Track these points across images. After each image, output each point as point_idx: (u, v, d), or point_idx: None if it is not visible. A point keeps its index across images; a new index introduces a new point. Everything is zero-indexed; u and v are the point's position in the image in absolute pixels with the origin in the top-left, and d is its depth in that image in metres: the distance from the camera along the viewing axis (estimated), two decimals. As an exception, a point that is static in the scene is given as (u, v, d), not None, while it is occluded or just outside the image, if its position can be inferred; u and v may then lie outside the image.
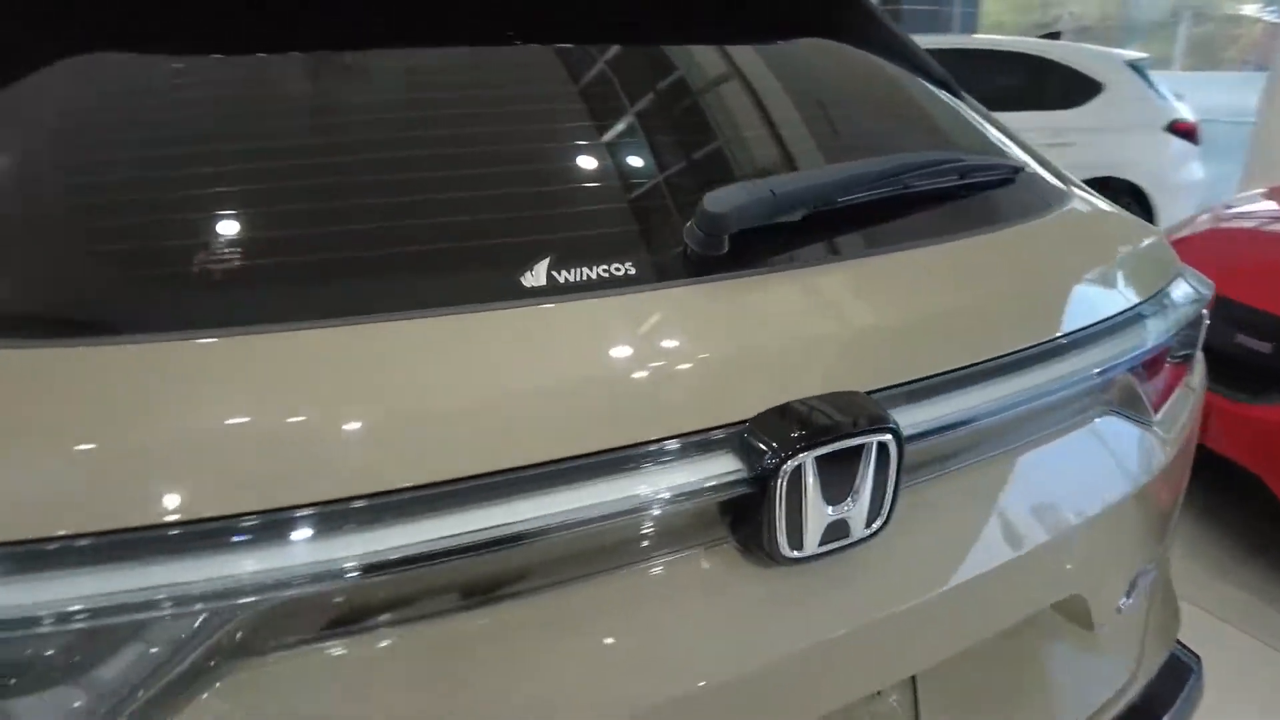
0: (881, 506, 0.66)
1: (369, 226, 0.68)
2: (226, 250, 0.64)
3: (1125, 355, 0.85)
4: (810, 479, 0.62)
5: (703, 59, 0.99)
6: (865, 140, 1.00)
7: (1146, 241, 1.01)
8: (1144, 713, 1.05)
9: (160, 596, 0.49)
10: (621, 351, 0.64)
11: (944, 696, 0.85)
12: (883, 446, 0.64)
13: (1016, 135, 1.14)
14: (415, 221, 0.70)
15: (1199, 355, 1.10)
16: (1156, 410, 0.95)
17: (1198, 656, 1.19)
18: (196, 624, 0.51)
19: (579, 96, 0.88)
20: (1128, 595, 0.97)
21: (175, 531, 0.50)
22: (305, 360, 0.57)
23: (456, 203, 0.72)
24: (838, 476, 0.64)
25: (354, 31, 0.80)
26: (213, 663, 0.52)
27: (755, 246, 0.72)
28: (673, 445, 0.61)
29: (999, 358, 0.76)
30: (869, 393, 0.68)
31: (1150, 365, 0.94)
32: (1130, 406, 0.91)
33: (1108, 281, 0.91)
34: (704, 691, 0.62)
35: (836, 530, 0.65)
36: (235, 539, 0.51)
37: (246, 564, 0.50)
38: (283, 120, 0.74)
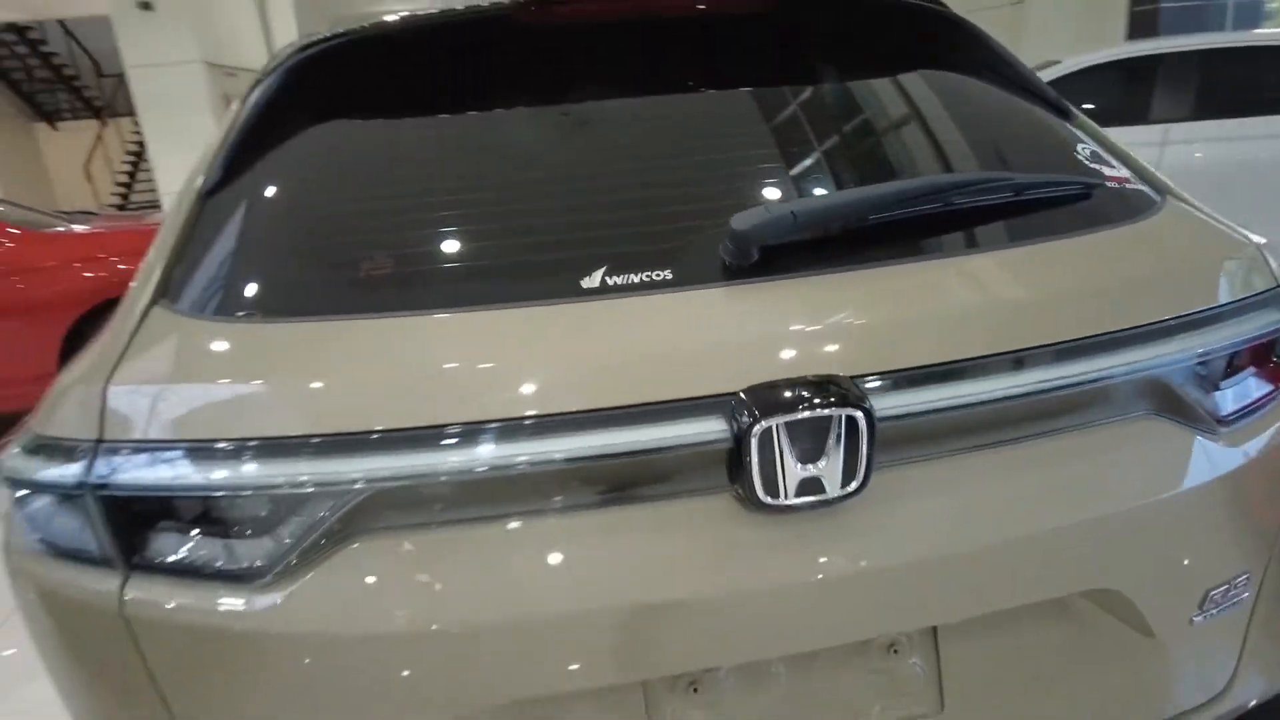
0: (855, 471, 0.77)
1: (528, 245, 0.97)
2: (432, 258, 0.96)
3: (1153, 362, 0.87)
4: (783, 440, 0.75)
5: (806, 97, 1.15)
6: (936, 163, 1.09)
7: (1214, 256, 0.99)
8: None
9: (347, 478, 0.75)
10: (663, 334, 0.82)
11: (970, 673, 0.91)
12: (852, 420, 0.76)
13: (1118, 150, 1.15)
14: (565, 236, 0.98)
15: None
16: (1230, 421, 0.93)
17: None
18: (352, 502, 0.77)
19: (690, 138, 1.08)
20: (1202, 610, 0.95)
21: (372, 436, 0.76)
22: (460, 337, 0.84)
23: (582, 224, 0.96)
24: (810, 441, 0.76)
25: (498, 106, 1.08)
26: (350, 528, 0.78)
27: (784, 257, 0.87)
28: (701, 405, 0.78)
29: (987, 357, 0.82)
30: (855, 377, 0.79)
31: (1214, 374, 0.93)
32: (1182, 413, 0.90)
33: (1138, 294, 0.92)
34: (685, 603, 0.78)
35: (811, 486, 0.76)
36: (391, 447, 0.76)
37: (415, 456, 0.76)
38: (448, 171, 1.03)
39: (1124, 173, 1.11)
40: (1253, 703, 1.03)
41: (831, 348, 0.81)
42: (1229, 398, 0.95)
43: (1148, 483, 0.90)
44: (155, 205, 10.80)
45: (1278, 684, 1.06)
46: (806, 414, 0.76)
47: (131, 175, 15.29)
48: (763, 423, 0.75)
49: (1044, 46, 8.21)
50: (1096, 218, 1.01)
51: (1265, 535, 1.01)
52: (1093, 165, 1.10)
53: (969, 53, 1.26)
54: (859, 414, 0.76)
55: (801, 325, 0.84)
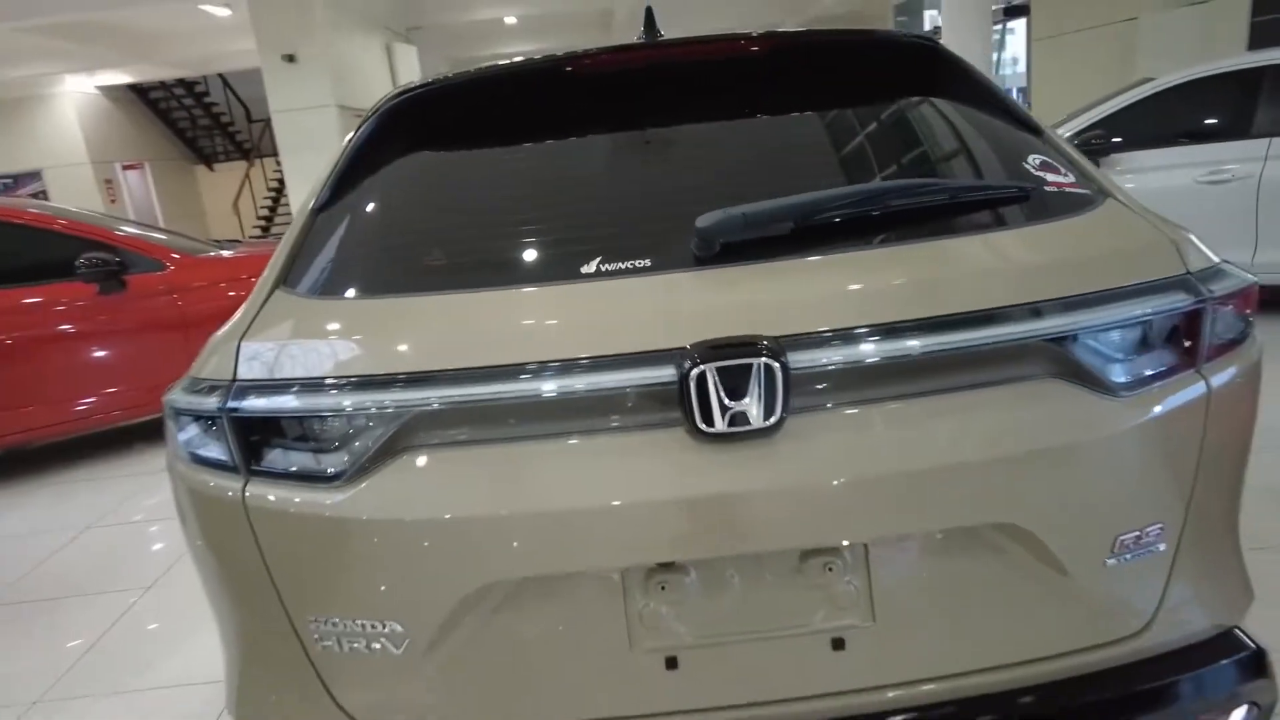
0: (774, 408, 0.97)
1: (545, 243, 1.26)
2: (467, 253, 1.24)
3: (1052, 330, 1.03)
4: (716, 382, 0.97)
5: (788, 126, 1.38)
6: (896, 172, 1.29)
7: (1132, 249, 1.13)
8: (1160, 675, 1.12)
9: (400, 401, 1.03)
10: (653, 303, 1.07)
11: (899, 593, 1.09)
12: (770, 368, 0.97)
13: (1073, 160, 1.31)
14: (572, 236, 1.26)
15: (1238, 347, 1.15)
16: (1131, 387, 1.07)
17: (1263, 653, 1.18)
18: (396, 417, 1.04)
19: (674, 158, 1.34)
20: (1114, 554, 1.09)
21: (390, 392, 1.04)
22: (487, 309, 1.11)
23: (586, 227, 1.23)
24: (737, 384, 0.98)
25: (563, 130, 1.37)
26: (400, 436, 1.05)
27: (743, 250, 1.10)
28: (656, 356, 1.02)
29: (893, 324, 1.01)
30: (779, 338, 1.00)
31: (1119, 345, 1.07)
32: (1082, 377, 1.05)
33: (1039, 279, 1.07)
34: (646, 504, 1.01)
35: (738, 419, 0.97)
36: (425, 394, 1.03)
37: (430, 390, 1.03)
38: (484, 189, 1.32)
39: (1070, 178, 1.26)
40: (1171, 647, 1.14)
41: (763, 316, 1.02)
42: (1130, 367, 1.08)
43: (1047, 434, 1.04)
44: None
45: (1198, 631, 1.17)
46: (732, 362, 0.97)
47: (272, 209, 16.82)
48: (699, 367, 0.98)
49: (1159, 61, 7.96)
50: (1034, 214, 1.18)
51: (1176, 493, 1.12)
52: (1040, 173, 1.26)
53: (949, 80, 1.45)
54: (775, 364, 0.97)
55: (742, 299, 1.06)
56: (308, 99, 9.30)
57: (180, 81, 16.82)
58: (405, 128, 1.42)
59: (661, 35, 1.57)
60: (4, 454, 4.80)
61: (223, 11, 10.68)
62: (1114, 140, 4.83)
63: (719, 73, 1.44)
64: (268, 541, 1.08)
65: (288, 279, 1.25)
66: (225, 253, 5.06)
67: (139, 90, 16.90)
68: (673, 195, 1.24)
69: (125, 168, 16.72)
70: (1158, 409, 1.08)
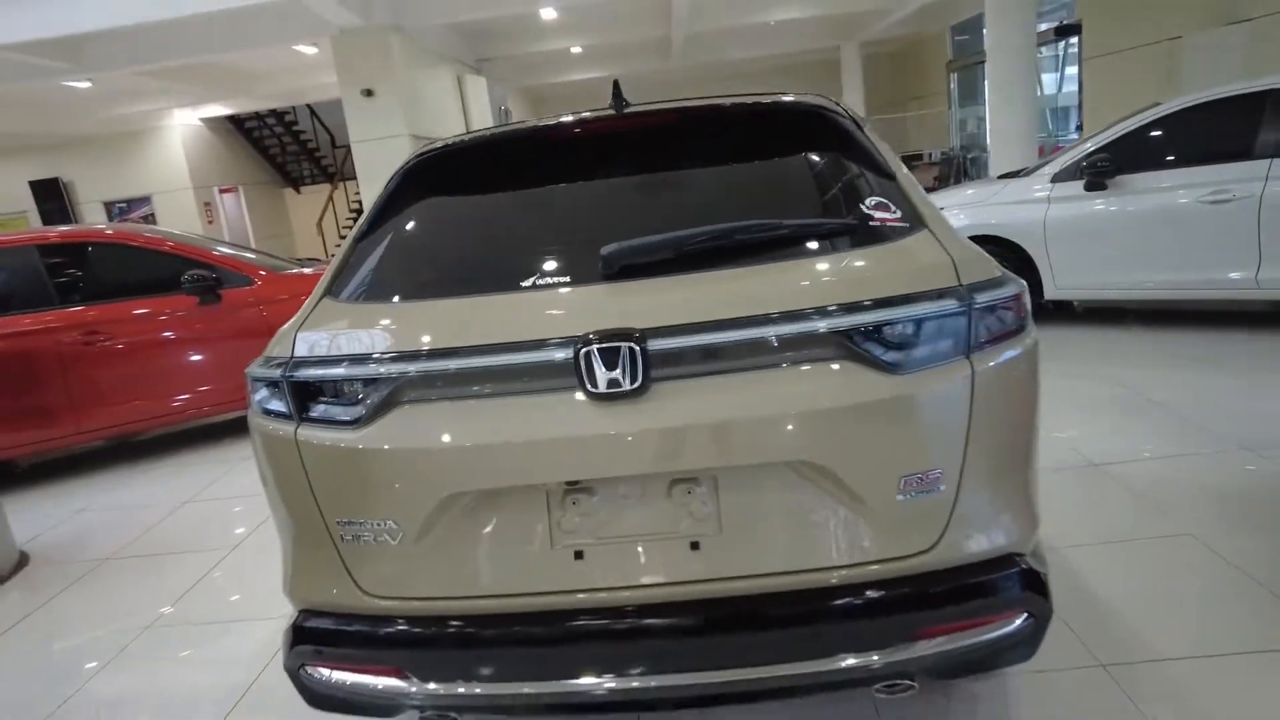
0: (637, 377, 1.42)
1: (525, 255, 1.71)
2: (469, 263, 1.72)
3: (848, 324, 1.45)
4: (596, 359, 1.43)
5: (692, 180, 1.84)
6: (761, 212, 1.72)
7: (904, 268, 1.52)
8: (945, 585, 1.52)
9: (398, 369, 1.53)
10: (572, 305, 1.54)
11: (741, 505, 1.52)
12: (634, 350, 1.43)
13: (907, 199, 1.71)
14: (533, 254, 1.71)
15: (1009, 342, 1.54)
16: (906, 369, 1.47)
17: (1036, 573, 1.55)
18: (394, 380, 1.54)
19: (615, 201, 1.81)
20: (905, 488, 1.49)
21: (394, 365, 1.54)
22: (497, 315, 1.58)
23: (531, 250, 1.71)
24: (612, 360, 1.44)
25: (543, 180, 1.86)
26: (396, 393, 1.54)
27: (641, 267, 1.56)
28: (563, 339, 1.47)
29: (721, 321, 1.44)
30: (649, 330, 1.46)
31: (898, 336, 1.48)
32: (867, 358, 1.46)
33: (840, 289, 1.48)
34: (552, 442, 1.47)
35: (614, 384, 1.42)
36: (431, 367, 1.53)
37: (420, 360, 1.52)
38: (467, 225, 1.82)
39: (896, 214, 1.67)
40: (955, 564, 1.52)
41: (637, 313, 1.46)
42: (907, 351, 1.46)
43: (836, 399, 1.43)
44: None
45: (979, 553, 1.52)
46: (608, 344, 1.42)
47: (353, 228, 17.93)
48: (586, 348, 1.43)
49: (1202, 79, 8.02)
50: (856, 241, 1.60)
51: (951, 448, 1.48)
52: (871, 210, 1.67)
53: (829, 137, 1.86)
54: (637, 347, 1.41)
55: (623, 302, 1.50)
56: (383, 130, 10.14)
57: (272, 112, 18.15)
58: (416, 181, 1.93)
59: (628, 105, 2.03)
60: (118, 441, 5.58)
61: (311, 50, 11.68)
62: (1117, 164, 5.07)
63: (650, 136, 1.91)
64: (311, 466, 1.60)
65: (332, 290, 1.78)
66: (306, 270, 5.75)
67: (236, 121, 18.32)
68: (594, 230, 1.70)
69: (222, 191, 18.12)
70: (929, 385, 1.47)
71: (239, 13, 8.47)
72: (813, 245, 1.60)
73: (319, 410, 1.60)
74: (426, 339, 1.55)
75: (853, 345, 1.47)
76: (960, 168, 15.16)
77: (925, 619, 1.50)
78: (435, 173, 1.97)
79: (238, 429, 5.66)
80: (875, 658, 1.49)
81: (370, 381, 1.56)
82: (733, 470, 1.50)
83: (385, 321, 1.63)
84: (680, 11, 12.08)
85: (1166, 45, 9.09)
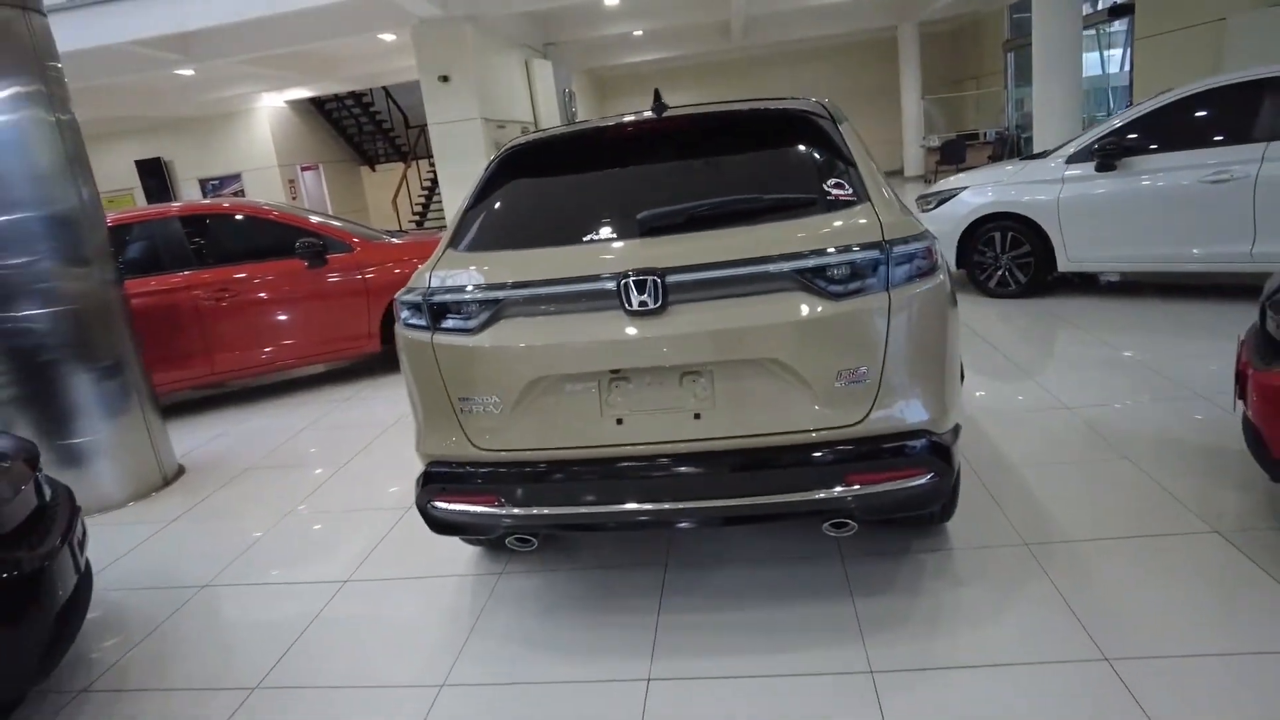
0: (660, 299, 2.13)
1: (585, 220, 2.45)
2: (546, 225, 2.49)
3: (801, 267, 2.12)
4: (632, 288, 2.14)
5: (703, 166, 2.53)
6: (743, 192, 2.40)
7: (844, 229, 2.18)
8: (870, 448, 2.20)
9: (500, 294, 2.29)
10: (616, 253, 2.26)
11: (729, 390, 2.22)
12: (661, 279, 2.14)
13: (858, 180, 2.37)
14: (590, 219, 2.44)
15: (925, 280, 2.19)
16: (843, 296, 2.14)
17: (942, 445, 2.22)
18: (497, 301, 2.29)
19: (652, 179, 2.52)
20: (842, 379, 2.18)
21: (497, 292, 2.29)
22: (566, 260, 2.31)
23: (591, 218, 2.43)
24: (647, 286, 2.15)
25: (598, 167, 2.58)
26: (499, 311, 2.30)
27: (664, 228, 2.28)
28: (611, 275, 2.17)
29: (719, 263, 2.13)
30: (668, 268, 2.16)
31: (839, 273, 2.14)
32: (810, 285, 2.13)
33: (805, 239, 2.15)
34: (602, 343, 2.18)
35: (644, 304, 2.13)
36: (522, 293, 2.28)
37: (514, 288, 2.28)
38: (550, 197, 2.56)
39: (848, 191, 2.33)
40: (878, 433, 2.18)
41: (664, 255, 2.14)
42: (844, 285, 2.12)
43: (790, 314, 2.09)
44: (444, 227, 13.75)
45: (897, 427, 2.17)
46: (642, 274, 2.12)
47: (425, 204, 19.01)
48: (625, 280, 2.12)
49: (1245, 59, 8.27)
50: (817, 210, 2.28)
51: (872, 352, 2.12)
52: (831, 189, 2.33)
53: (812, 134, 2.53)
54: (659, 279, 2.12)
55: (652, 251, 2.18)
56: (458, 114, 10.98)
57: (350, 94, 19.28)
58: (508, 164, 2.67)
59: (668, 108, 2.72)
60: (249, 383, 6.56)
61: (390, 36, 12.58)
62: (1126, 146, 5.52)
63: (682, 132, 2.61)
64: (441, 361, 2.35)
65: (452, 243, 2.53)
66: (394, 240, 6.60)
67: (317, 103, 19.52)
68: (636, 201, 2.40)
69: (303, 169, 19.38)
70: (858, 309, 2.13)
71: (332, 7, 9.36)
72: (785, 212, 2.29)
73: (447, 323, 2.36)
74: (518, 275, 2.29)
75: (806, 280, 2.15)
76: (1015, 146, 15.32)
77: (854, 469, 2.18)
78: (520, 160, 2.70)
79: (339, 375, 6.59)
80: (820, 494, 2.18)
81: (481, 303, 2.31)
82: (723, 364, 2.21)
83: (490, 264, 2.38)
84: (738, -3, 12.59)
85: (1214, 26, 9.27)
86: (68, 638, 2.44)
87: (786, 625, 2.48)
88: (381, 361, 6.56)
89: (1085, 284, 6.55)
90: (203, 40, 10.78)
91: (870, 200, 2.31)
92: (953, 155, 15.26)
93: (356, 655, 2.64)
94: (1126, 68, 12.77)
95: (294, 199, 18.53)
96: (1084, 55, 15.13)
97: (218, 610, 3.07)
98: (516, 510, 2.33)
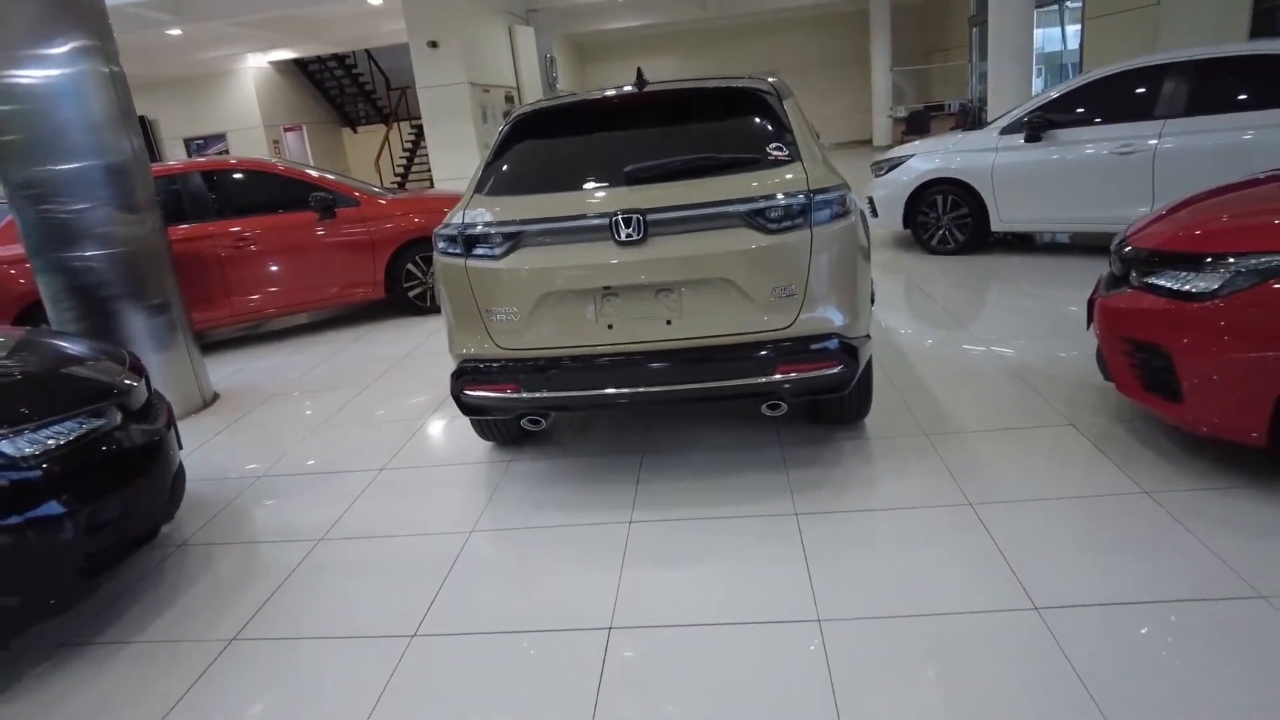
0: (643, 231, 2.83)
1: (583, 172, 3.14)
2: (551, 175, 3.17)
3: (746, 209, 2.85)
4: (620, 223, 2.84)
5: (675, 131, 3.24)
6: (705, 152, 3.11)
7: (779, 182, 2.88)
8: (796, 345, 2.95)
9: (517, 229, 2.99)
10: (607, 198, 2.97)
11: (693, 302, 2.95)
12: (642, 217, 2.85)
13: (788, 141, 3.09)
14: (587, 171, 3.14)
15: (843, 219, 2.92)
16: (777, 231, 2.87)
17: (851, 344, 2.97)
18: (515, 234, 2.99)
19: (635, 141, 3.22)
20: (775, 294, 2.92)
21: (515, 227, 2.99)
22: (568, 203, 3.01)
23: (590, 169, 3.14)
24: (629, 223, 2.86)
25: (593, 130, 3.28)
26: (517, 241, 2.99)
27: (644, 178, 2.99)
28: (603, 214, 2.88)
29: (686, 205, 2.84)
30: (647, 209, 2.86)
31: (773, 214, 2.87)
32: (756, 225, 2.87)
33: (749, 188, 2.87)
34: (596, 265, 2.89)
35: (630, 236, 2.83)
36: (534, 228, 2.97)
37: (528, 224, 2.97)
38: (557, 152, 3.26)
39: (785, 154, 3.05)
40: (803, 334, 2.92)
41: (644, 199, 2.82)
42: (778, 223, 2.82)
43: (738, 245, 2.79)
44: (431, 185, 14.25)
45: (817, 331, 2.90)
46: (627, 213, 2.80)
47: (407, 166, 19.41)
48: (615, 217, 2.81)
49: (1179, 41, 9.04)
50: (762, 167, 2.99)
51: (798, 273, 2.83)
52: (773, 151, 3.05)
53: (760, 107, 3.23)
54: (642, 217, 2.81)
55: (637, 195, 2.86)
56: (446, 78, 11.48)
57: (334, 56, 19.52)
58: (519, 127, 3.35)
59: (648, 84, 3.41)
60: (261, 328, 7.17)
61: (376, 1, 12.97)
62: (1051, 121, 6.28)
63: (658, 103, 3.30)
64: (473, 280, 3.04)
65: (478, 189, 3.22)
66: (393, 196, 7.22)
67: (301, 64, 19.74)
68: (624, 157, 3.08)
69: (286, 129, 19.66)
70: (787, 240, 2.85)
71: (327, -26, 9.81)
72: (737, 168, 3.00)
73: (477, 250, 3.05)
74: (532, 214, 2.99)
75: (750, 219, 2.88)
76: (976, 118, 16.06)
77: (785, 361, 2.92)
78: (529, 124, 3.37)
79: (345, 320, 7.24)
80: (760, 379, 2.92)
81: (503, 235, 3.00)
82: (689, 283, 2.93)
83: (509, 206, 3.07)
84: (713, -32, 13.11)
85: (1152, 9, 10.02)
86: (179, 496, 3.14)
87: (736, 487, 3.25)
88: (385, 307, 7.21)
89: (1021, 243, 7.34)
90: (195, 2, 11.14)
91: (801, 160, 3.03)
92: (917, 126, 15.98)
93: (400, 515, 3.37)
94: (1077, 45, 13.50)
95: (278, 158, 18.84)
96: (1050, 30, 15.85)
97: (277, 490, 3.78)
98: (530, 394, 3.06)
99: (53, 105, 4.43)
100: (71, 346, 3.29)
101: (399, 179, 19.29)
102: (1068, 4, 13.67)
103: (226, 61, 17.31)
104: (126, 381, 3.00)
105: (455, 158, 11.69)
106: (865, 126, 20.44)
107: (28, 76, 4.35)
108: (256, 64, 18.01)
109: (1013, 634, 2.23)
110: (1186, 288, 2.81)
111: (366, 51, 20.17)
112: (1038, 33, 16.15)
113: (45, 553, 2.49)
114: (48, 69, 4.37)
